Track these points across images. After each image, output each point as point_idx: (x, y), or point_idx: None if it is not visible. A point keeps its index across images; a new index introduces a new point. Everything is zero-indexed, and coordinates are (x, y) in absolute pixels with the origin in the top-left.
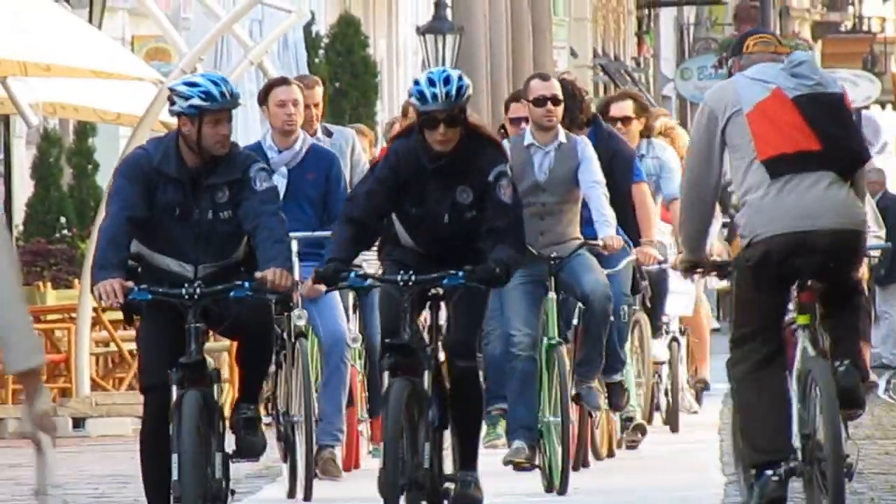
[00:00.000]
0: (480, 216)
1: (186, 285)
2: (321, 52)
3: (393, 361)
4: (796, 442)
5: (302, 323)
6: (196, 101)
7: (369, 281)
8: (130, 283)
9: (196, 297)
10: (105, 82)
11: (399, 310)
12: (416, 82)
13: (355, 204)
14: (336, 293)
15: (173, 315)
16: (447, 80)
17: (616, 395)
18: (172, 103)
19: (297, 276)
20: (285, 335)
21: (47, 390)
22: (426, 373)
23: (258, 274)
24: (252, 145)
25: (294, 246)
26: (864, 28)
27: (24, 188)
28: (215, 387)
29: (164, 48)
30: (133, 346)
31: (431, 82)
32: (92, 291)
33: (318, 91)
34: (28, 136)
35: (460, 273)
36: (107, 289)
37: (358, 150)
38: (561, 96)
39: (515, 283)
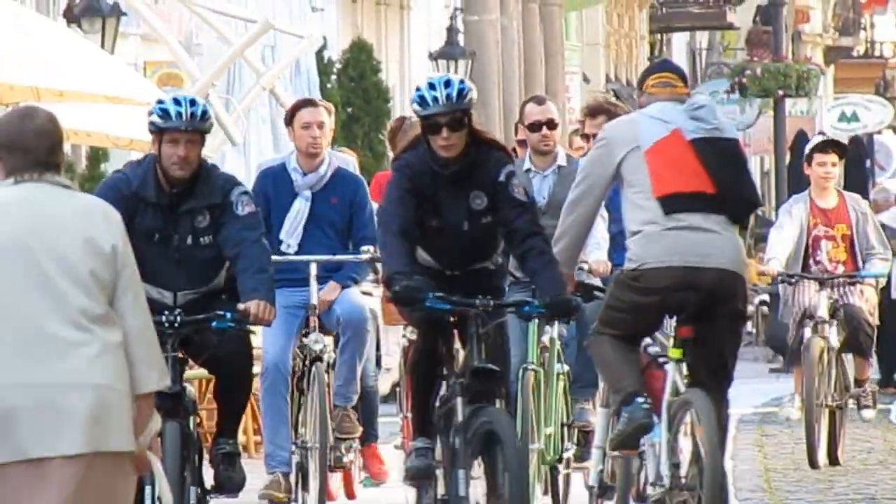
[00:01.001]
0: (496, 220)
1: (167, 313)
2: (333, 77)
3: (469, 387)
4: (664, 470)
5: (318, 347)
6: (154, 119)
7: (445, 305)
8: None
9: (176, 325)
10: (118, 108)
11: (447, 333)
12: (418, 88)
13: (392, 215)
14: (355, 289)
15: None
16: (447, 83)
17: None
18: None
19: (314, 300)
20: (307, 361)
21: (157, 413)
22: (499, 400)
23: (241, 305)
24: (276, 167)
25: (313, 269)
26: (877, 53)
27: None
28: (192, 419)
29: (177, 73)
30: None
31: (432, 86)
32: None
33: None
34: None
35: (536, 302)
36: None
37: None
38: (558, 120)
39: None
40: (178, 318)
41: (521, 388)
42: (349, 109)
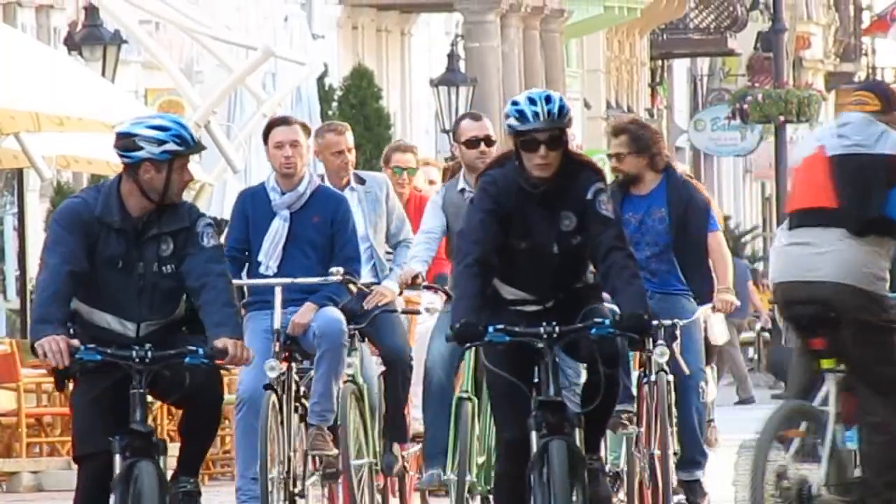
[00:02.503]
0: (584, 241)
1: (137, 348)
2: (334, 104)
3: (543, 419)
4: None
5: (273, 374)
6: (171, 147)
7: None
8: (77, 342)
9: (147, 360)
10: None
11: (519, 364)
12: (515, 102)
13: (471, 243)
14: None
15: (114, 378)
16: (549, 99)
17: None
18: (130, 149)
19: (277, 325)
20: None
21: None
22: (576, 430)
23: (217, 343)
24: (255, 187)
25: (277, 293)
26: (878, 79)
27: (38, 241)
28: (161, 459)
29: (178, 101)
30: None
31: (532, 101)
32: (33, 348)
33: (349, 136)
34: (42, 190)
35: (607, 321)
36: (52, 346)
37: (393, 197)
38: (494, 137)
39: None
40: (150, 354)
41: (459, 417)
42: None
